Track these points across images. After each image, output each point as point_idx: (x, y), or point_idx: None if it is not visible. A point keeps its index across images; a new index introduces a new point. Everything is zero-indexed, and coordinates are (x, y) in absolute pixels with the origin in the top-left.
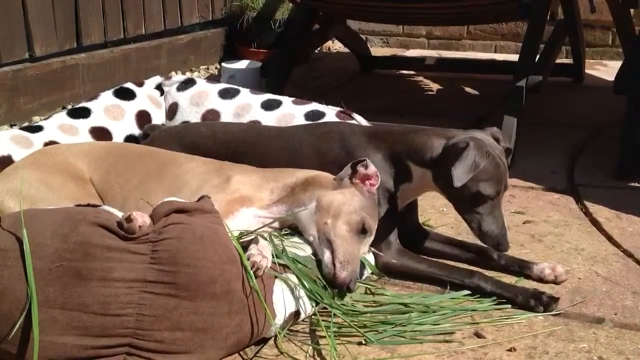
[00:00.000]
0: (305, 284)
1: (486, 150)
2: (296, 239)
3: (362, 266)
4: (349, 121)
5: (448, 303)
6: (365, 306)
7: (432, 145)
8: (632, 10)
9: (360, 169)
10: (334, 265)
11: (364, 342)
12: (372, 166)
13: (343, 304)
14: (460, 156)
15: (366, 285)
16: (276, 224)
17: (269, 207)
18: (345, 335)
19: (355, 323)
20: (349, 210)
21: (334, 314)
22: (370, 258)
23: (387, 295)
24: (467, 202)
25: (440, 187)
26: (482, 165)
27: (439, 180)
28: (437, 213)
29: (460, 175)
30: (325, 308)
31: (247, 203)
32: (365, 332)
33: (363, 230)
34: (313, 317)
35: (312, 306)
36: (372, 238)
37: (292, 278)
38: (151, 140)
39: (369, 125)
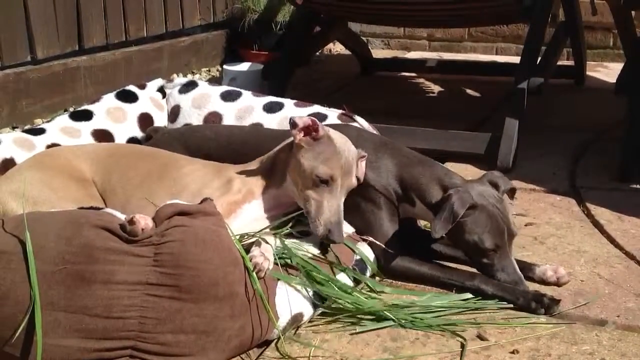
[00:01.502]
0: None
1: (471, 202)
2: (302, 241)
3: (364, 266)
4: (352, 124)
5: (450, 303)
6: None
7: (433, 194)
8: (633, 12)
9: (297, 120)
10: (314, 224)
11: (357, 330)
12: (304, 117)
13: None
14: (441, 208)
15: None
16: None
17: (265, 198)
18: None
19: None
20: (303, 169)
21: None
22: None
23: (387, 292)
24: (472, 254)
25: (445, 235)
26: (462, 215)
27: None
28: None
29: (437, 227)
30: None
31: (248, 198)
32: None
33: (323, 181)
34: (317, 316)
35: (316, 307)
36: (338, 183)
37: (296, 279)
38: (154, 142)
39: (377, 134)
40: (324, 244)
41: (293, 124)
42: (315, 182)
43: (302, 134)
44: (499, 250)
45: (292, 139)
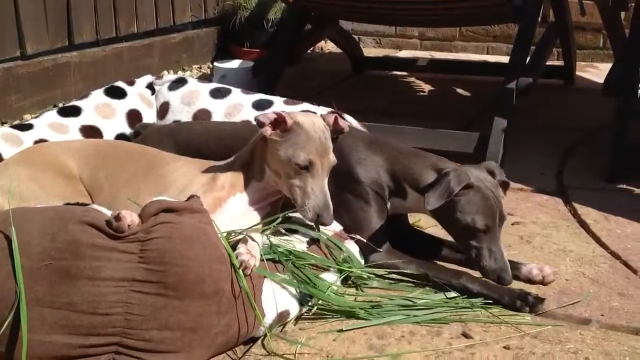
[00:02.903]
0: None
1: (468, 182)
2: (289, 237)
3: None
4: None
5: (436, 301)
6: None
7: (427, 176)
8: (622, 13)
9: (261, 118)
10: (302, 211)
11: (344, 328)
12: (268, 113)
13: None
14: (437, 183)
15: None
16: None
17: (249, 192)
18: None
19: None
20: (281, 160)
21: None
22: (359, 257)
23: (375, 286)
24: (461, 235)
25: (435, 216)
26: (458, 192)
27: (436, 213)
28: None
29: (431, 199)
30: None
31: (233, 193)
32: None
33: (303, 167)
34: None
35: (302, 305)
36: (318, 165)
37: (282, 277)
38: (144, 138)
39: (366, 132)
40: (311, 242)
41: (259, 123)
42: (296, 170)
43: (271, 129)
44: (489, 233)
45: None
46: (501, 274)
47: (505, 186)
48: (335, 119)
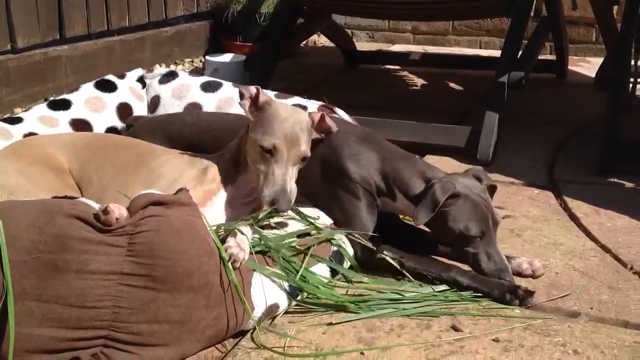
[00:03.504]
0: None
1: (453, 190)
2: (279, 232)
3: (341, 258)
4: (333, 116)
5: (426, 294)
6: (344, 294)
7: (415, 184)
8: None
9: (243, 90)
10: (262, 196)
11: (333, 322)
12: (251, 87)
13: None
14: (424, 196)
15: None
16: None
17: (238, 184)
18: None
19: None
20: (250, 142)
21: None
22: (350, 250)
23: (365, 282)
24: (457, 244)
25: (428, 227)
26: (446, 203)
27: (428, 223)
28: None
29: (420, 214)
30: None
31: (222, 186)
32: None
33: (267, 151)
34: (293, 307)
35: (292, 298)
36: (283, 152)
37: (271, 270)
38: (135, 131)
39: (359, 126)
40: (302, 235)
41: (241, 95)
42: (261, 154)
43: (249, 103)
44: (484, 237)
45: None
46: (502, 276)
47: (492, 190)
48: (322, 117)
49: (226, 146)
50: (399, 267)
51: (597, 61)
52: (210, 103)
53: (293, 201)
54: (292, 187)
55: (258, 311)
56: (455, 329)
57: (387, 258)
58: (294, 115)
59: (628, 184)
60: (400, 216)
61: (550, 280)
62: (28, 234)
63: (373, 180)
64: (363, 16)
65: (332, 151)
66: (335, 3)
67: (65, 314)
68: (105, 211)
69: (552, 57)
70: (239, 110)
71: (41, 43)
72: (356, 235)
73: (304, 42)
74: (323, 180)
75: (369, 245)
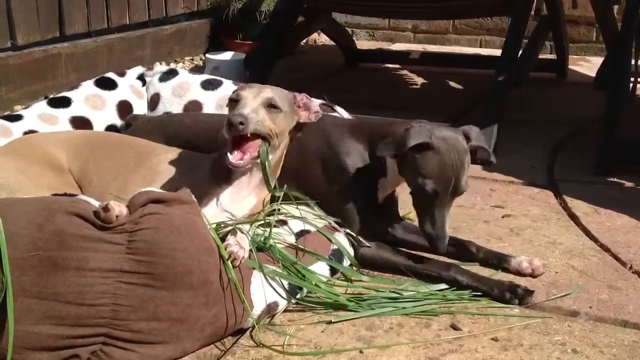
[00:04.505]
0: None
1: (426, 140)
2: (278, 229)
3: (341, 256)
4: (331, 113)
5: (426, 293)
6: (343, 293)
7: (396, 135)
8: (615, 7)
9: (298, 97)
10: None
11: (332, 320)
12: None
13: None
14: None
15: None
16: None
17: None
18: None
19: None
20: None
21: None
22: (350, 249)
23: (364, 281)
24: (415, 196)
25: (404, 178)
26: (417, 150)
27: (401, 170)
28: None
29: (381, 145)
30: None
31: (222, 184)
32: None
33: (271, 106)
34: (292, 305)
35: (291, 297)
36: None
37: (271, 269)
38: (134, 130)
39: (351, 117)
40: (300, 234)
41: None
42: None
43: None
44: (438, 198)
45: None
46: (435, 242)
47: (479, 152)
48: (303, 98)
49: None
50: (398, 266)
51: (597, 60)
52: (210, 101)
53: None
54: None
55: (257, 309)
56: (454, 327)
57: (387, 257)
58: (260, 92)
59: (628, 184)
60: (401, 215)
61: (550, 280)
62: (28, 232)
63: (368, 167)
64: (363, 15)
65: (330, 148)
66: (336, 1)
67: (65, 311)
68: (106, 209)
69: (553, 56)
70: None
71: (41, 41)
72: (356, 235)
73: (304, 41)
74: (324, 178)
75: (367, 244)
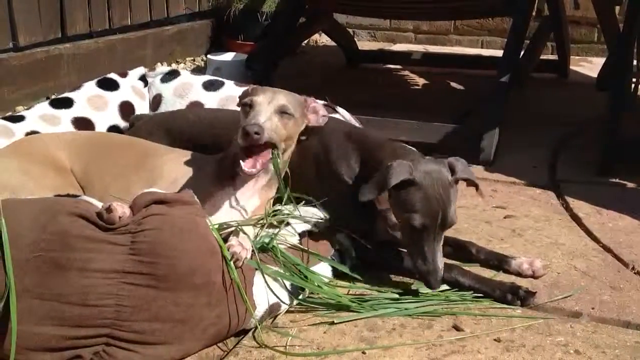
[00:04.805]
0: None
1: (408, 177)
2: (282, 231)
3: (343, 257)
4: (333, 115)
5: (428, 294)
6: (346, 293)
7: (380, 165)
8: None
9: (309, 101)
10: None
11: (335, 321)
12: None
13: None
14: (380, 174)
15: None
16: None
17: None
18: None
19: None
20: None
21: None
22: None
23: (365, 285)
24: (404, 231)
25: (392, 212)
26: (402, 187)
27: (389, 202)
28: None
29: (364, 190)
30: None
31: (225, 185)
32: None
33: (284, 113)
34: (295, 306)
35: (293, 298)
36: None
37: (273, 270)
38: (137, 129)
39: (348, 124)
40: (303, 235)
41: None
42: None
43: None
44: (426, 232)
45: None
46: (427, 277)
47: (465, 183)
48: (312, 102)
49: (230, 146)
50: (399, 267)
51: (598, 61)
52: (212, 102)
53: None
54: None
55: (260, 310)
56: (456, 328)
57: (388, 259)
58: (274, 97)
59: (630, 184)
60: None
61: (552, 281)
62: (31, 232)
63: (360, 177)
64: (364, 15)
65: (326, 153)
66: (337, 2)
67: (68, 312)
68: (109, 209)
69: (554, 57)
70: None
71: (43, 41)
72: (356, 237)
73: (305, 41)
74: (318, 180)
75: (368, 246)
